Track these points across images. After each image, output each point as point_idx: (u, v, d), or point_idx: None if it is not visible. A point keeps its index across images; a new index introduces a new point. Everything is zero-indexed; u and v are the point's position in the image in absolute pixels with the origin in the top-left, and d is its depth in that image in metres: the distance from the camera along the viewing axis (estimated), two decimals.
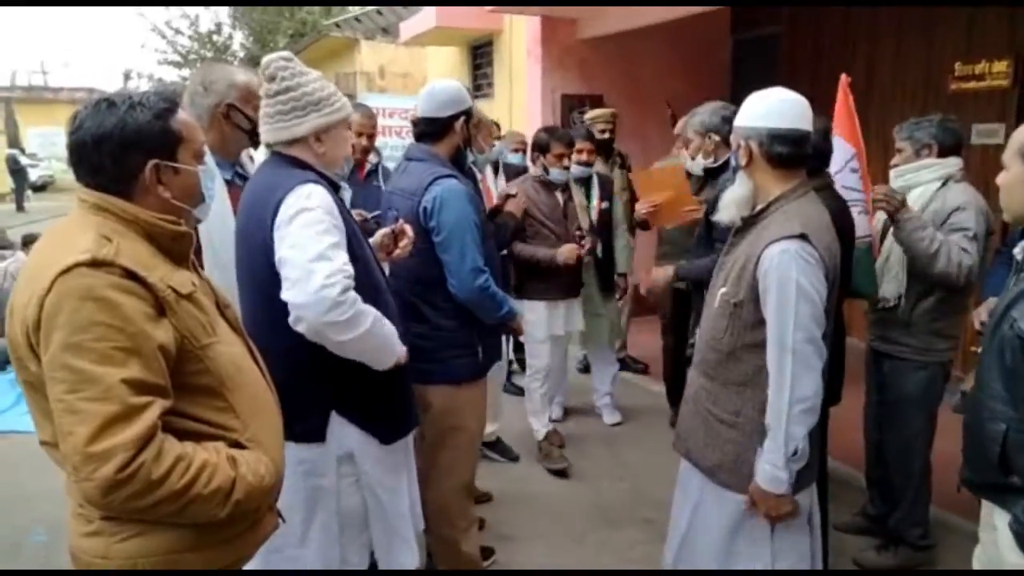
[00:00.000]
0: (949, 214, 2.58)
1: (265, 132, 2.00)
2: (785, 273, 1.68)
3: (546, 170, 3.71)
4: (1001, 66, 4.57)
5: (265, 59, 1.95)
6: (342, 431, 1.98)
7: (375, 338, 1.87)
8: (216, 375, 1.37)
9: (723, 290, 1.85)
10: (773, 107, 1.82)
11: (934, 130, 2.61)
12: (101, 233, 1.28)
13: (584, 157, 4.00)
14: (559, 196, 3.75)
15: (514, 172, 4.44)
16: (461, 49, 7.59)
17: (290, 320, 1.78)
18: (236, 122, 2.20)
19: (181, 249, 1.44)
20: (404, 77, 11.97)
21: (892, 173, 2.69)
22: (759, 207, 1.85)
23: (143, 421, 1.19)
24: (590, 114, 4.83)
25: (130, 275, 1.24)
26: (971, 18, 4.76)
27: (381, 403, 2.02)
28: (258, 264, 1.88)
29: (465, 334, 2.46)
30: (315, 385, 1.92)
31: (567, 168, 3.72)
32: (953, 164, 2.62)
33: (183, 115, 1.43)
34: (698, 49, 6.29)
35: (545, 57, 5.93)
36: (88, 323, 1.18)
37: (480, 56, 7.43)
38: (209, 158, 1.59)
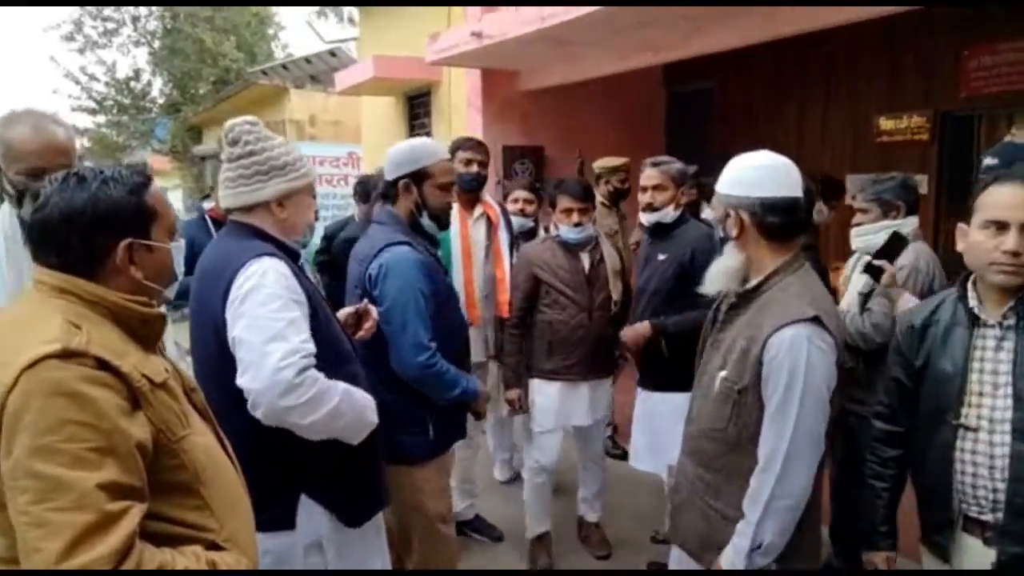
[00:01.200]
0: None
1: (224, 197, 1.90)
2: (796, 363, 1.59)
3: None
4: (921, 120, 4.85)
5: (228, 123, 1.87)
6: (311, 516, 1.84)
7: (344, 415, 1.76)
8: (191, 470, 1.24)
9: (723, 374, 1.72)
10: (764, 174, 1.72)
11: (899, 190, 2.69)
12: (68, 319, 1.14)
13: (520, 207, 3.73)
14: (584, 258, 3.10)
15: (528, 237, 3.79)
16: (397, 99, 7.56)
17: (248, 407, 1.66)
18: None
19: (153, 333, 1.31)
20: (335, 125, 11.85)
21: (854, 233, 2.75)
22: (755, 281, 1.76)
23: (121, 530, 1.04)
24: (600, 163, 4.45)
25: (103, 365, 1.11)
26: (892, 74, 5.05)
27: (346, 482, 1.89)
28: (210, 343, 1.77)
29: (413, 411, 2.29)
30: (279, 467, 1.78)
31: (578, 225, 3.07)
32: (913, 223, 2.70)
33: (155, 189, 1.32)
34: (635, 102, 6.46)
35: (486, 109, 5.95)
36: (58, 422, 1.04)
37: (417, 106, 7.41)
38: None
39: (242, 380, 1.67)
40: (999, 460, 1.61)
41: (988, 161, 2.68)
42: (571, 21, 4.23)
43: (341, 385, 1.77)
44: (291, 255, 1.89)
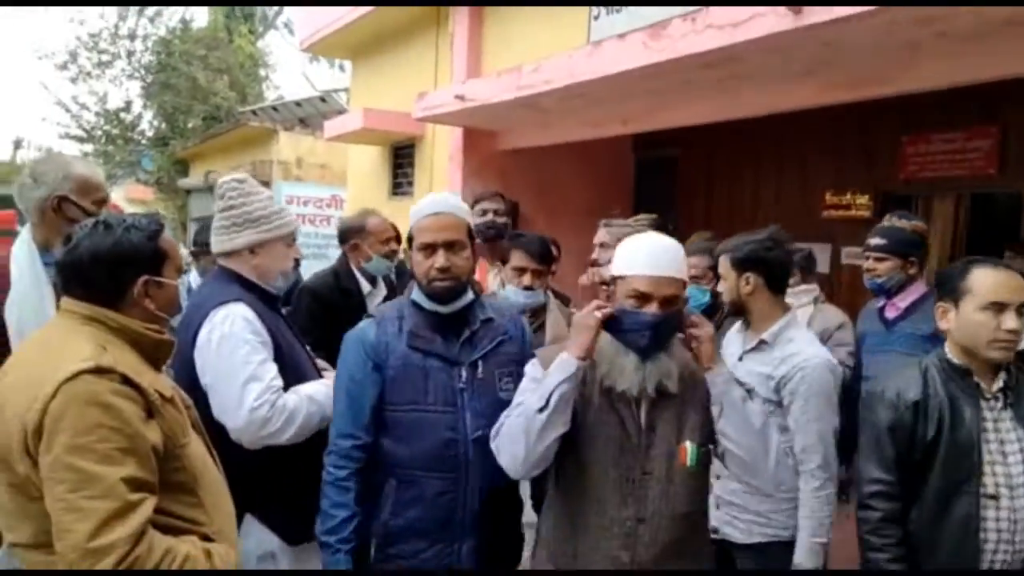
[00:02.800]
0: (834, 331, 3.03)
1: (211, 243, 2.26)
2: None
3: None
4: (863, 199, 5.28)
5: (220, 180, 2.21)
6: (261, 530, 2.08)
7: (313, 415, 2.08)
8: (190, 472, 1.50)
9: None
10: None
11: (797, 258, 3.11)
12: (97, 342, 1.41)
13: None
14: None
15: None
16: (383, 148, 7.91)
17: (233, 438, 1.97)
18: (69, 215, 2.09)
19: (163, 356, 1.59)
20: (322, 168, 12.19)
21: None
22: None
23: (138, 516, 1.30)
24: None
25: (126, 381, 1.37)
26: (838, 155, 5.50)
27: (289, 503, 2.08)
28: (182, 375, 2.02)
29: None
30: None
31: (529, 288, 2.76)
32: (816, 287, 3.16)
33: (167, 234, 1.61)
34: (605, 165, 6.86)
35: (466, 164, 6.31)
36: (92, 426, 1.30)
37: (401, 156, 7.76)
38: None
39: (223, 419, 1.97)
40: (1020, 524, 1.79)
41: (876, 241, 2.97)
42: (546, 92, 4.61)
43: (302, 392, 2.08)
44: (266, 296, 2.20)
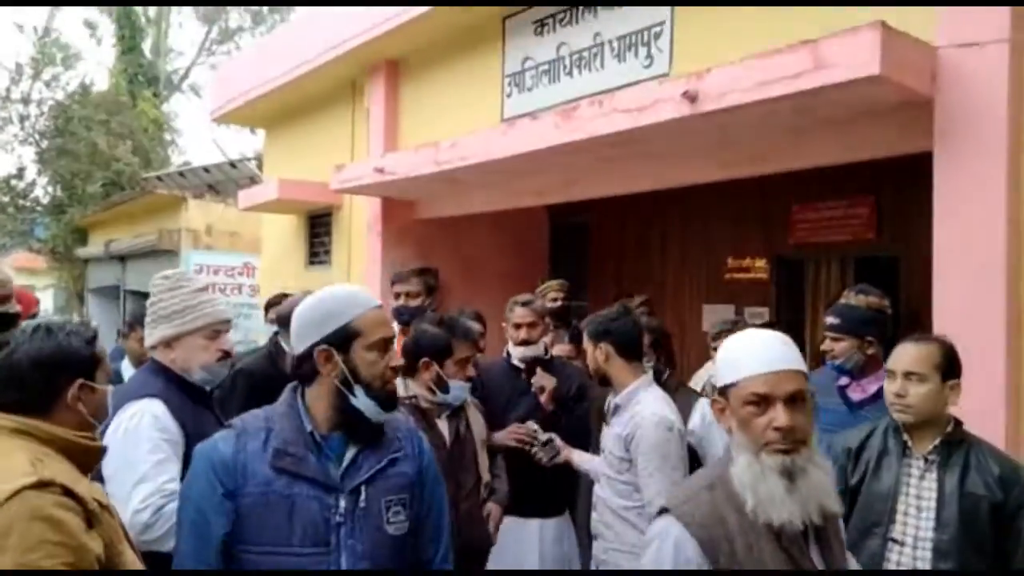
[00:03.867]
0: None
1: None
2: None
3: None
4: (761, 263, 5.66)
5: (155, 276, 2.25)
6: None
7: None
8: None
9: None
10: None
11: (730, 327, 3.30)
12: (32, 456, 1.39)
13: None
14: (444, 428, 2.61)
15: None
16: (299, 217, 7.88)
17: None
18: None
19: (93, 463, 1.57)
20: (232, 235, 11.95)
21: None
22: None
23: None
24: (540, 289, 4.72)
25: (67, 492, 1.36)
26: (737, 223, 5.90)
27: None
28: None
29: None
30: None
31: (469, 380, 2.71)
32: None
33: (99, 342, 1.63)
34: (521, 233, 7.07)
35: (385, 233, 6.38)
36: (38, 543, 1.28)
37: (318, 225, 7.74)
38: None
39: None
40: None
41: (831, 320, 2.91)
42: (463, 167, 4.78)
43: None
44: (192, 389, 2.22)
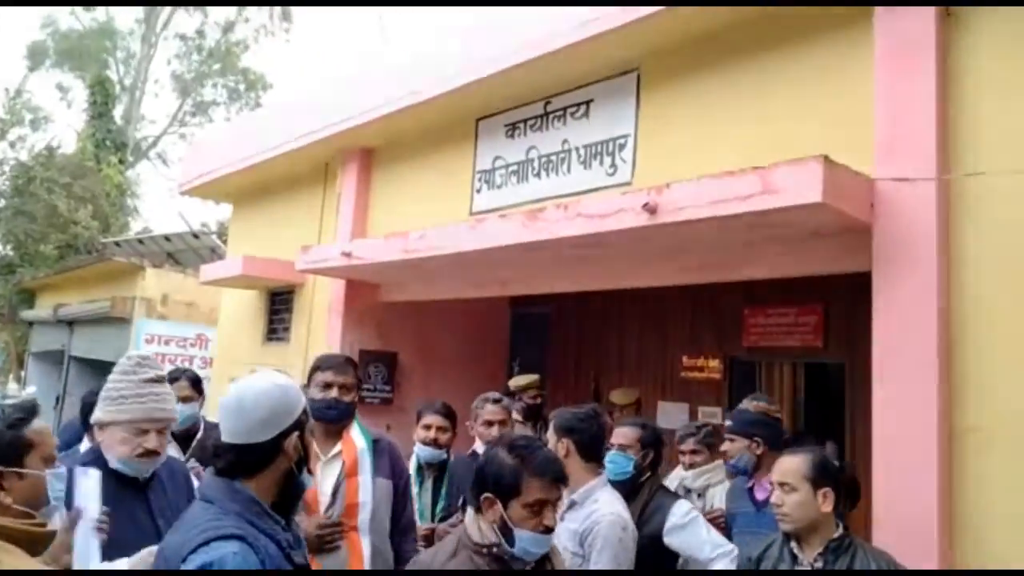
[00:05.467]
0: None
1: None
2: None
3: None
4: (715, 363, 5.84)
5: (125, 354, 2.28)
6: None
7: None
8: None
9: None
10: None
11: (711, 439, 3.43)
12: None
13: (432, 434, 3.37)
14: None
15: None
16: (260, 293, 7.88)
17: None
18: None
19: (42, 546, 1.55)
20: (188, 306, 11.81)
21: (692, 474, 3.40)
22: None
23: None
24: (515, 381, 4.80)
25: None
26: (693, 323, 6.10)
27: None
28: None
29: None
30: None
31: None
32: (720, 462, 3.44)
33: (38, 423, 1.61)
34: (482, 319, 7.18)
35: (347, 314, 6.41)
36: None
37: (278, 302, 7.75)
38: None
39: None
40: None
41: (727, 423, 3.40)
42: (431, 257, 4.91)
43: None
44: (115, 474, 2.15)
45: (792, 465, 2.32)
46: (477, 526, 1.93)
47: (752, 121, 3.85)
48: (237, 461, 1.71)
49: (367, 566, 2.52)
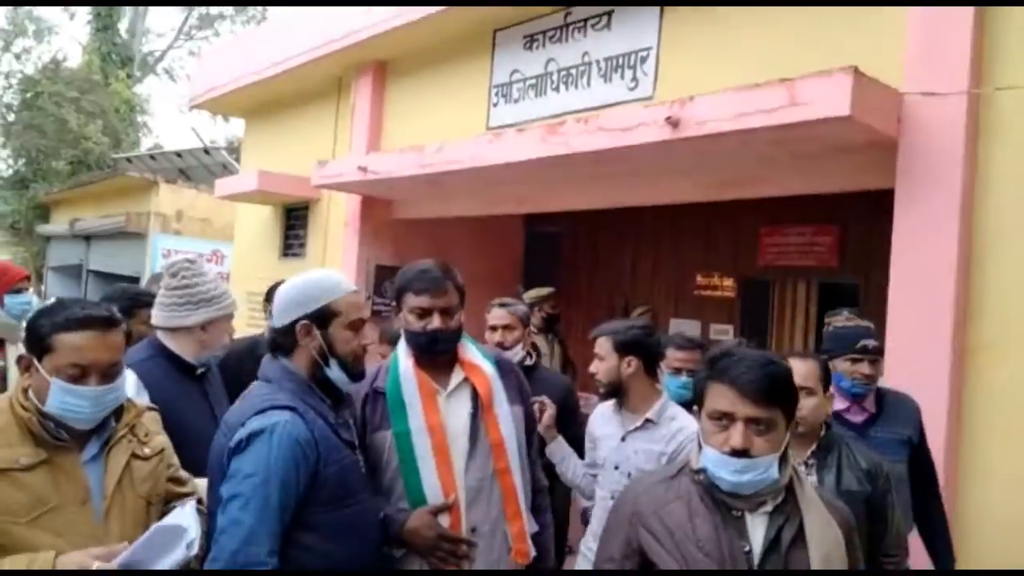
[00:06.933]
0: None
1: (156, 316, 2.41)
2: None
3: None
4: (729, 282, 5.87)
5: (170, 260, 2.35)
6: None
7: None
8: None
9: None
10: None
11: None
12: None
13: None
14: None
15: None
16: (275, 209, 7.89)
17: None
18: None
19: None
20: (203, 222, 11.86)
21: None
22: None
23: None
24: (532, 293, 4.80)
25: None
26: (708, 242, 6.11)
27: None
28: None
29: None
30: None
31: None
32: None
33: None
34: (497, 238, 7.21)
35: (362, 230, 6.45)
36: None
37: (294, 218, 7.77)
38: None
39: None
40: None
41: (872, 343, 2.72)
42: (448, 172, 4.89)
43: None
44: (184, 366, 2.39)
45: (809, 369, 2.27)
46: (697, 447, 1.70)
47: (778, 33, 3.75)
48: (272, 341, 1.92)
49: (524, 510, 2.10)
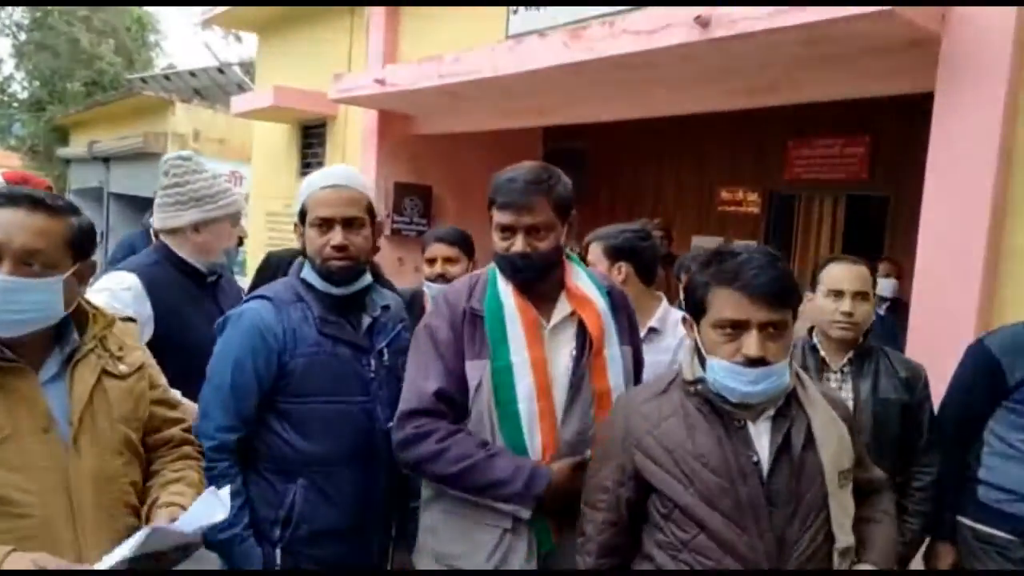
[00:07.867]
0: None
1: (154, 219, 2.32)
2: None
3: None
4: (753, 196, 5.75)
5: (165, 157, 2.25)
6: None
7: None
8: None
9: None
10: None
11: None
12: None
13: (439, 268, 2.74)
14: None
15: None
16: (292, 127, 7.79)
17: None
18: None
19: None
20: (220, 143, 11.76)
21: None
22: None
23: None
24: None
25: None
26: (732, 155, 5.96)
27: None
28: None
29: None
30: None
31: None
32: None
33: None
34: (515, 154, 6.98)
35: (380, 147, 6.35)
36: None
37: (311, 135, 7.67)
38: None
39: None
40: None
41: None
42: (467, 82, 4.75)
43: None
44: (192, 273, 2.25)
45: (865, 274, 2.20)
46: (691, 358, 1.56)
47: None
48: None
49: None
